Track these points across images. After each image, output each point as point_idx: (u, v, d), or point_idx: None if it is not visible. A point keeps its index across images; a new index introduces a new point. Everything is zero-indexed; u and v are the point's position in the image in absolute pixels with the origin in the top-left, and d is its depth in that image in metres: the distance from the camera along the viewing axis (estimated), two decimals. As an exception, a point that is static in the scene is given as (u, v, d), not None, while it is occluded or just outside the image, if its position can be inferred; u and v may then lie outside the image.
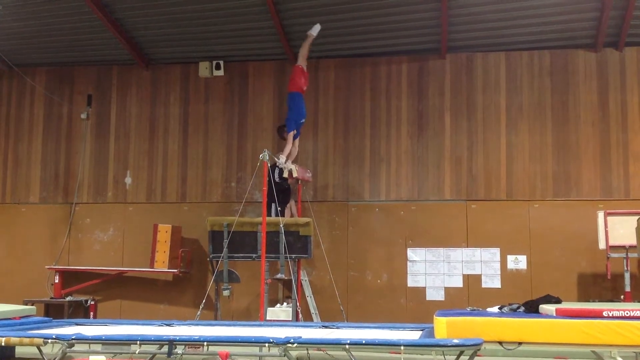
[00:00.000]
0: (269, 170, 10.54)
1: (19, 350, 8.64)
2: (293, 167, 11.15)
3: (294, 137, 11.39)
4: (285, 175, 11.09)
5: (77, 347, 6.82)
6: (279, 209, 11.09)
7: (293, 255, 10.86)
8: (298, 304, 10.95)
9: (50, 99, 13.57)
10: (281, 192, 11.17)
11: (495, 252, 12.00)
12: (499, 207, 12.12)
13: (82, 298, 12.57)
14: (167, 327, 8.63)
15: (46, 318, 9.63)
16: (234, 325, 9.05)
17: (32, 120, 13.67)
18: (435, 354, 6.76)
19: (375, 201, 12.48)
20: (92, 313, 12.56)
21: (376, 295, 12.17)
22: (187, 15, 12.04)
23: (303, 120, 11.57)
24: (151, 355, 7.36)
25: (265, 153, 10.21)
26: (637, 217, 9.61)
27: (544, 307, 7.31)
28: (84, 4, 11.60)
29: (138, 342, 6.72)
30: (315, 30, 11.55)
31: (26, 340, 6.92)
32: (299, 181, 11.86)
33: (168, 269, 12.21)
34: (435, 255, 12.17)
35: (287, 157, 11.14)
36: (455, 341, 6.16)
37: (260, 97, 13.02)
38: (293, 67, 11.74)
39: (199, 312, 10.66)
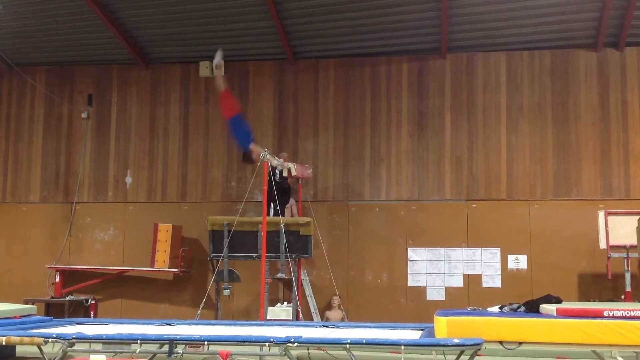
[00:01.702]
0: (269, 170, 10.54)
1: (20, 349, 8.64)
2: (292, 165, 11.14)
3: (252, 154, 11.42)
4: (285, 174, 11.09)
5: (77, 346, 6.82)
6: (277, 208, 11.07)
7: (293, 255, 10.86)
8: (298, 303, 10.95)
9: (50, 98, 13.57)
10: (281, 191, 11.16)
11: (496, 251, 12.01)
12: (500, 207, 12.13)
13: (82, 297, 12.58)
14: (168, 327, 8.63)
15: (47, 317, 9.63)
16: (234, 324, 9.05)
17: (32, 120, 13.67)
18: (436, 353, 6.76)
19: (375, 201, 12.48)
20: (92, 312, 12.56)
21: (376, 295, 12.17)
22: (187, 14, 12.04)
23: (252, 137, 11.72)
24: (152, 355, 7.36)
25: (265, 152, 10.21)
26: (637, 217, 9.62)
27: (545, 307, 7.30)
28: (84, 3, 11.60)
29: (138, 341, 6.72)
30: (216, 60, 11.82)
31: (27, 339, 6.92)
32: (299, 180, 11.86)
33: (168, 268, 12.21)
34: (436, 255, 12.17)
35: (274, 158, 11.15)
36: (456, 341, 6.16)
37: (260, 96, 13.02)
38: (220, 93, 11.92)
39: (199, 311, 10.66)
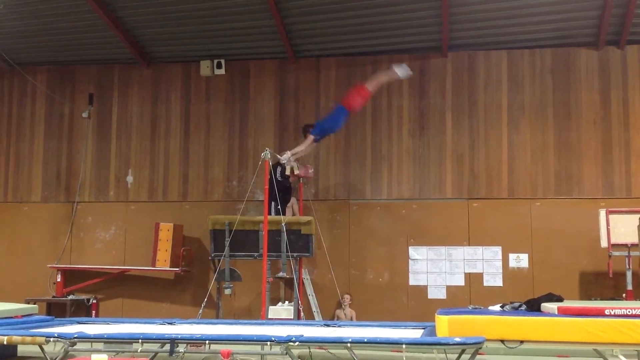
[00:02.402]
0: (271, 169, 10.54)
1: (21, 349, 8.65)
2: (295, 164, 11.14)
3: (313, 141, 11.26)
4: (287, 172, 11.09)
5: (79, 346, 6.83)
6: (279, 207, 11.07)
7: (295, 254, 10.85)
8: (300, 302, 10.95)
9: (51, 97, 13.57)
10: (282, 190, 11.16)
11: (497, 250, 12.00)
12: (501, 206, 12.12)
13: (84, 297, 12.58)
14: (169, 326, 8.64)
15: (48, 317, 9.65)
16: (235, 323, 9.06)
17: (33, 119, 13.67)
18: (437, 352, 6.76)
19: (376, 200, 12.48)
20: (94, 312, 12.56)
21: (378, 294, 12.17)
22: (189, 13, 12.04)
23: (330, 133, 11.53)
24: (153, 354, 7.36)
25: (267, 152, 10.21)
26: (638, 216, 9.61)
27: (546, 306, 7.30)
28: (85, 2, 11.60)
29: (140, 340, 6.73)
30: (401, 72, 11.18)
31: (28, 338, 6.93)
32: (300, 179, 11.85)
33: (170, 267, 12.21)
34: (437, 253, 12.17)
35: (294, 155, 11.09)
36: (457, 339, 6.16)
37: (261, 95, 13.02)
38: (358, 84, 11.52)
39: (200, 310, 10.67)
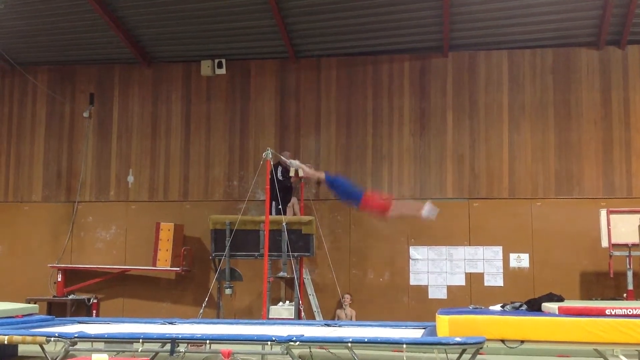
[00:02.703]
0: (272, 168, 10.54)
1: (22, 349, 8.65)
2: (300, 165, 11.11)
3: (318, 179, 10.68)
4: (292, 174, 11.07)
5: (79, 345, 6.83)
6: (280, 207, 11.07)
7: (295, 254, 10.86)
8: (300, 302, 10.95)
9: (52, 97, 13.57)
10: (283, 190, 11.16)
11: (498, 250, 12.00)
12: (502, 206, 12.12)
13: (84, 296, 12.59)
14: (170, 326, 8.64)
15: (49, 316, 9.65)
16: (236, 323, 9.06)
17: (34, 119, 13.67)
18: (438, 352, 6.77)
19: (377, 199, 12.45)
20: (94, 311, 12.57)
21: (378, 294, 12.17)
22: (189, 13, 12.04)
23: (334, 191, 10.12)
24: (154, 354, 7.36)
25: (268, 151, 10.21)
26: (639, 215, 9.60)
27: (547, 306, 7.29)
28: (86, 2, 11.60)
29: (140, 340, 6.73)
30: (429, 212, 9.52)
31: (29, 338, 6.93)
32: (302, 179, 11.85)
33: (170, 267, 12.21)
34: (438, 253, 12.17)
35: (300, 168, 10.73)
36: (458, 339, 6.16)
37: (262, 95, 13.02)
38: (389, 198, 10.14)
39: (201, 310, 10.67)
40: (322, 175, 10.40)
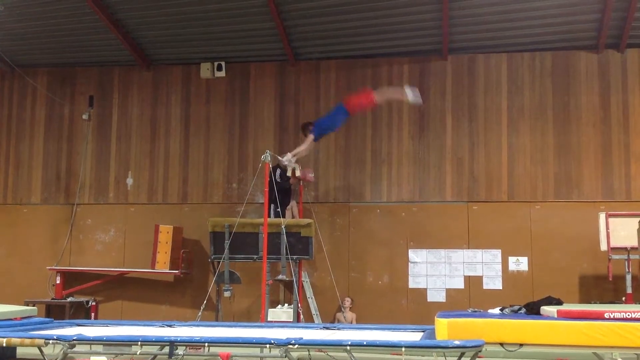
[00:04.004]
0: (270, 171, 10.53)
1: (20, 351, 8.61)
2: (297, 166, 11.14)
3: (313, 140, 11.22)
4: (289, 173, 11.07)
5: (78, 348, 6.81)
6: (278, 210, 11.07)
7: (294, 257, 10.84)
8: (299, 305, 10.94)
9: (51, 99, 13.58)
10: (281, 192, 11.15)
11: (497, 253, 12.00)
12: (500, 209, 12.12)
13: (83, 299, 12.58)
14: (168, 328, 8.62)
15: (47, 319, 9.62)
16: (235, 326, 9.04)
17: (33, 121, 13.68)
18: (437, 355, 6.75)
19: (376, 202, 12.48)
20: (93, 314, 12.56)
21: (377, 297, 12.16)
22: (189, 16, 12.05)
23: (329, 132, 11.48)
24: (152, 356, 7.34)
25: (267, 154, 10.21)
26: (638, 219, 9.61)
27: (545, 309, 7.29)
28: (86, 4, 11.61)
29: (139, 343, 6.71)
30: (412, 95, 10.90)
31: (27, 341, 6.91)
32: (301, 182, 11.85)
33: (169, 269, 12.21)
34: (437, 256, 12.17)
35: (295, 156, 11.05)
36: (457, 342, 6.15)
37: (261, 98, 13.03)
38: (366, 89, 11.55)
39: (200, 313, 10.64)
40: (311, 138, 10.76)
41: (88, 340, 6.88)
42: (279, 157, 11.08)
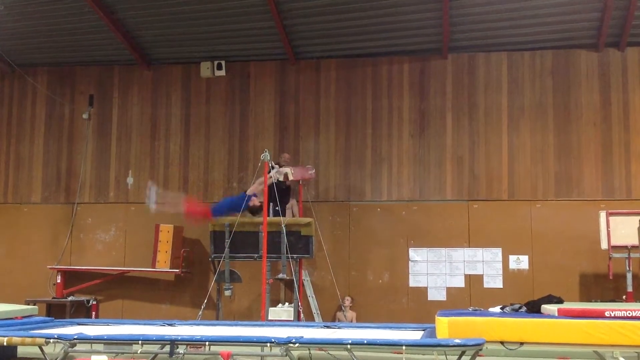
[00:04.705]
0: (269, 171, 10.53)
1: (21, 350, 8.64)
2: (288, 170, 11.12)
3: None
4: (282, 179, 11.05)
5: (79, 347, 6.82)
6: (277, 208, 11.07)
7: (294, 256, 10.86)
8: (300, 304, 10.95)
9: (51, 99, 13.58)
10: (280, 192, 11.15)
11: (497, 252, 12.00)
12: (501, 207, 12.12)
13: (83, 298, 12.58)
14: (169, 327, 8.63)
15: (48, 318, 9.63)
16: (235, 325, 9.05)
17: (33, 121, 13.68)
18: (437, 354, 6.76)
19: (376, 201, 12.48)
20: (93, 313, 12.56)
21: (378, 295, 12.17)
22: (189, 15, 12.05)
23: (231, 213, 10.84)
24: (153, 355, 7.36)
25: (267, 153, 10.21)
26: (638, 217, 9.61)
27: (546, 307, 7.29)
28: (86, 4, 11.61)
29: (140, 342, 6.72)
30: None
31: (28, 340, 6.92)
32: (300, 181, 11.85)
33: (170, 269, 12.21)
34: (437, 255, 12.16)
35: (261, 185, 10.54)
36: (457, 341, 6.15)
37: (261, 97, 13.02)
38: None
39: (200, 312, 10.66)
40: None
41: (89, 339, 6.88)
42: (280, 158, 11.08)
